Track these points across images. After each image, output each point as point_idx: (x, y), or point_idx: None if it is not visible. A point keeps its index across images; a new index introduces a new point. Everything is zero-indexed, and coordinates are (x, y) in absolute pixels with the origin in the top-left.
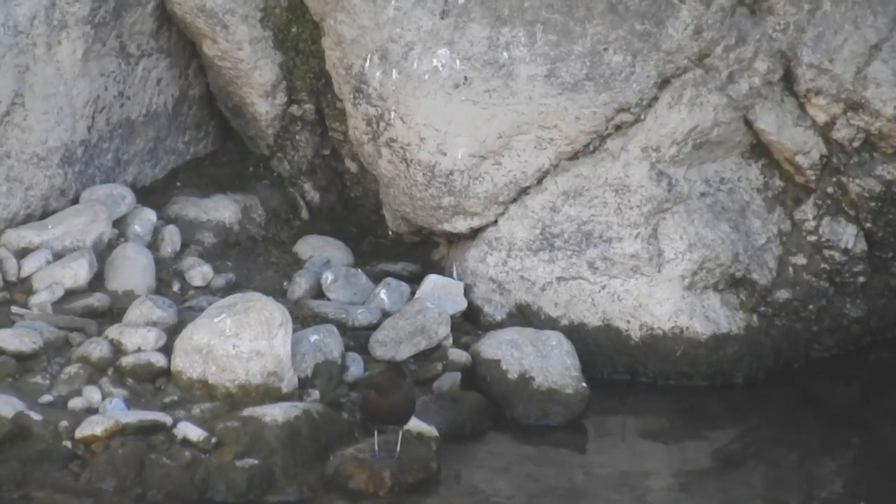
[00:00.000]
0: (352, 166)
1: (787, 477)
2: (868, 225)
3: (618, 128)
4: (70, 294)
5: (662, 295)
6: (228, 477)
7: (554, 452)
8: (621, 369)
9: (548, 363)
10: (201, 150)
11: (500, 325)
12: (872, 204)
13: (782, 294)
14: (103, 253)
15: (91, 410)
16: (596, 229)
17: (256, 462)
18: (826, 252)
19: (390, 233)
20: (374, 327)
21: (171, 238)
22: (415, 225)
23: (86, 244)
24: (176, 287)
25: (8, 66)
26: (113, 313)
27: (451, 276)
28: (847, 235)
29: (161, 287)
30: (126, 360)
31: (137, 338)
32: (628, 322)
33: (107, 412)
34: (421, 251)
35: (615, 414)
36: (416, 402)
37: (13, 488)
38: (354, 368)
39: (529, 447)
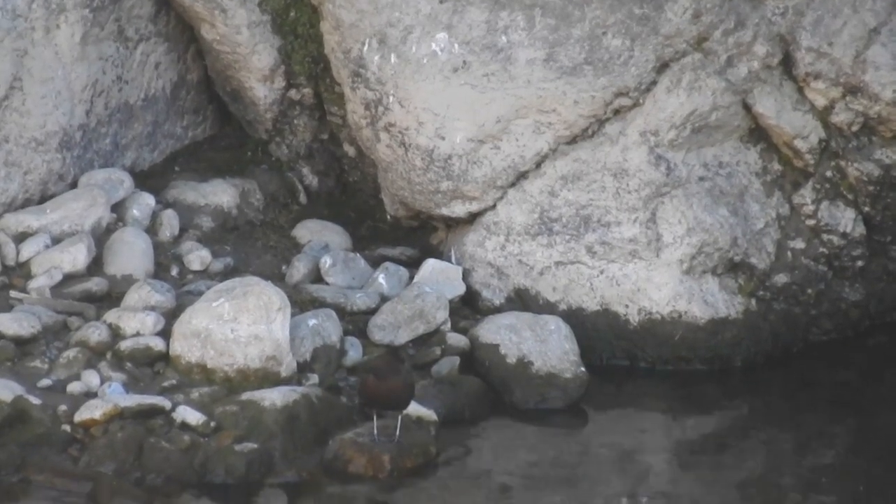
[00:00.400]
0: (350, 151)
1: (785, 461)
2: (867, 209)
3: (616, 112)
4: (68, 278)
5: (661, 279)
6: (227, 461)
7: (552, 436)
8: (620, 354)
9: (546, 348)
10: (200, 135)
11: (498, 310)
12: (871, 188)
13: (781, 278)
14: (102, 237)
15: (90, 394)
16: (594, 214)
17: (255, 446)
18: (825, 236)
19: (389, 217)
20: (372, 312)
21: (170, 222)
22: (413, 209)
23: (84, 228)
24: (174, 271)
25: (6, 50)
26: (111, 297)
27: (449, 260)
28: (846, 219)
29: (159, 271)
30: (125, 345)
31: (136, 322)
32: (627, 306)
33: (105, 396)
34: (419, 236)
35: (614, 398)
36: (414, 386)
37: (12, 472)
38: (353, 353)
39: (528, 431)
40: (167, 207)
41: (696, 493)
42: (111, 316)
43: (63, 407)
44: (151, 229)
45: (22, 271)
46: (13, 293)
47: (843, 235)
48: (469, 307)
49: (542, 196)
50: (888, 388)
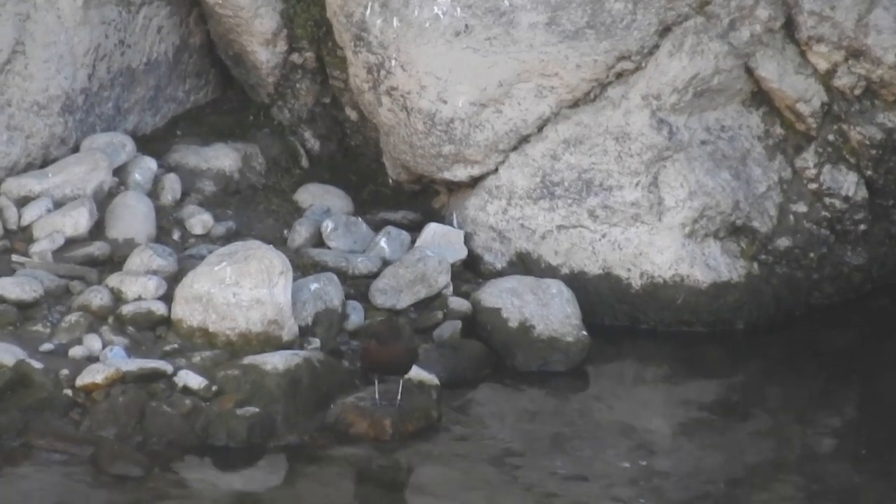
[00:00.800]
0: (352, 115)
1: (786, 423)
2: (869, 173)
3: (619, 76)
4: (70, 242)
5: (663, 243)
6: (229, 425)
7: (554, 400)
8: (622, 318)
9: (548, 311)
10: (202, 99)
11: (500, 274)
12: (873, 152)
13: (783, 242)
14: (104, 201)
15: (92, 359)
16: (596, 177)
17: (257, 410)
18: (827, 200)
19: (390, 181)
20: (374, 276)
21: (172, 186)
22: (415, 173)
23: (86, 193)
24: (176, 235)
25: (9, 15)
26: (113, 262)
27: (451, 224)
28: (848, 183)
29: (161, 235)
30: (126, 309)
31: (138, 286)
32: (629, 270)
33: (107, 360)
34: (421, 200)
35: (615, 362)
36: (417, 351)
37: (14, 436)
38: (355, 317)
39: (530, 395)
40: (169, 171)
41: (697, 455)
42: (113, 280)
43: (65, 371)
44: (153, 193)
45: (24, 235)
46: (15, 257)
47: (846, 199)
48: (471, 271)
49: (544, 160)
50: (890, 352)
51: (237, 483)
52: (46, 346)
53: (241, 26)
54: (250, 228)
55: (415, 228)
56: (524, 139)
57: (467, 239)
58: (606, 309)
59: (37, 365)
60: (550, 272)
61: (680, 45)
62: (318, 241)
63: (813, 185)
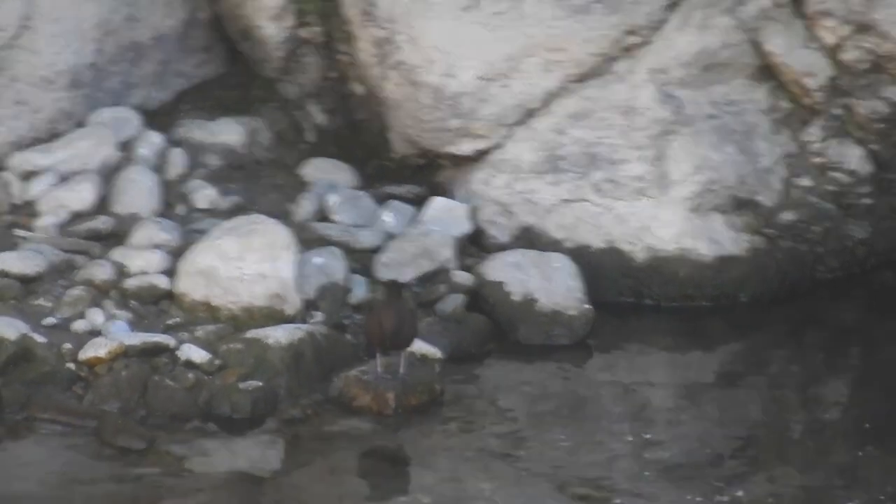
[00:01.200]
0: (358, 89)
1: (790, 397)
2: (875, 147)
3: (626, 50)
4: (76, 217)
5: (667, 217)
6: (232, 399)
7: (558, 373)
8: (626, 291)
9: (552, 285)
10: (208, 74)
11: (504, 248)
12: (879, 126)
13: (787, 216)
14: (109, 176)
15: (95, 333)
16: (602, 152)
17: (260, 384)
18: (832, 174)
19: (396, 155)
20: (378, 250)
21: (177, 161)
22: (421, 147)
23: (92, 167)
24: (181, 210)
25: None
26: (118, 236)
27: (455, 198)
28: (853, 157)
29: (166, 209)
30: (130, 283)
31: (142, 260)
32: (633, 244)
33: (110, 334)
34: (426, 174)
35: (619, 335)
36: (417, 325)
37: (17, 410)
38: (358, 291)
39: (533, 369)
40: (175, 146)
41: (700, 428)
42: (117, 254)
43: (68, 345)
44: (159, 168)
45: (29, 210)
46: (19, 231)
47: (851, 173)
48: (475, 245)
49: (549, 134)
50: (894, 325)
51: (240, 457)
52: (49, 320)
53: (248, 1)
54: (255, 203)
55: (419, 203)
56: (530, 113)
57: (472, 213)
58: (610, 283)
59: (40, 339)
60: (554, 246)
61: (687, 20)
62: (323, 215)
63: (818, 160)
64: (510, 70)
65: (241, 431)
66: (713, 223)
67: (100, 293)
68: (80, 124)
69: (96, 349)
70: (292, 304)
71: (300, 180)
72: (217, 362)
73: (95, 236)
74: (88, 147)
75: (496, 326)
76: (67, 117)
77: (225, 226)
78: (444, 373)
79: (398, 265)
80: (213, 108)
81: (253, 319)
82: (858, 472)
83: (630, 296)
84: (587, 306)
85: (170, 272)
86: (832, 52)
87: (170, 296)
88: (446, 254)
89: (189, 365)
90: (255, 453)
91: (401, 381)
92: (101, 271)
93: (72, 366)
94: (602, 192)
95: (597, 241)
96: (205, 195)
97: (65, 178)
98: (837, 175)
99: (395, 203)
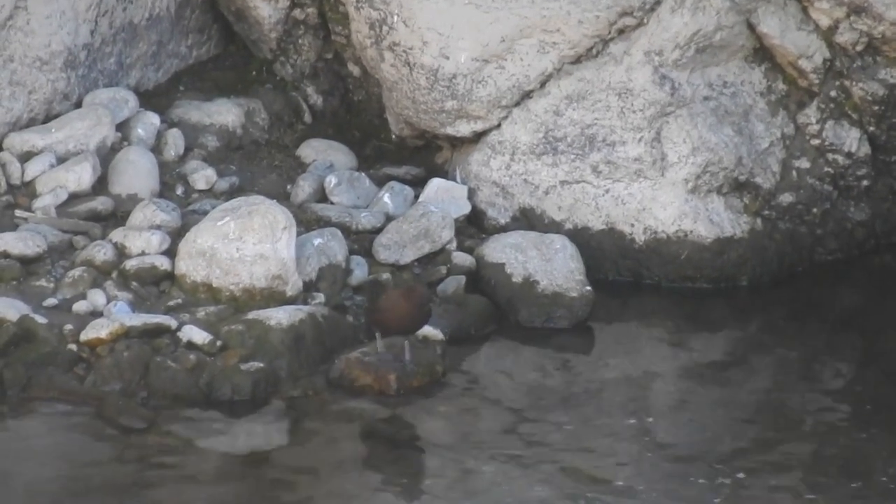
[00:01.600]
0: (355, 70)
1: (790, 380)
2: (871, 128)
3: (620, 32)
4: (74, 198)
5: (666, 198)
6: (233, 380)
7: (558, 355)
8: (625, 273)
9: (552, 267)
10: (204, 54)
11: (503, 229)
12: (876, 108)
13: (786, 198)
14: (107, 157)
15: (95, 314)
16: (599, 133)
17: (261, 365)
18: (829, 156)
19: (394, 137)
20: (377, 231)
21: (175, 142)
22: (418, 129)
23: (89, 148)
24: (179, 191)
25: None
26: (117, 217)
27: (454, 179)
28: (850, 139)
29: (165, 191)
30: (130, 264)
31: (141, 241)
32: (632, 226)
33: (111, 315)
34: (424, 155)
35: (619, 317)
36: (427, 312)
37: (18, 391)
38: (358, 272)
39: (534, 350)
40: (172, 127)
41: (701, 410)
42: (117, 235)
43: (69, 326)
44: (156, 148)
45: (27, 190)
46: (18, 212)
47: (848, 155)
48: (474, 226)
49: (546, 115)
50: (893, 307)
51: (241, 438)
52: (50, 301)
53: None
54: (253, 184)
55: (418, 184)
56: (527, 95)
57: (471, 194)
58: (610, 264)
59: (41, 320)
60: (554, 227)
61: (682, 1)
62: (322, 196)
63: (815, 141)
64: (505, 51)
65: (242, 412)
66: (712, 204)
67: (100, 274)
68: (76, 105)
69: (97, 330)
70: (293, 286)
71: (298, 161)
72: (218, 343)
73: (94, 217)
74: (86, 128)
75: (496, 308)
76: (64, 98)
77: (224, 207)
78: (445, 354)
79: (398, 246)
80: (209, 89)
81: (253, 300)
82: (860, 455)
83: (630, 277)
84: (587, 288)
85: (170, 253)
86: (827, 33)
87: (170, 277)
88: (446, 235)
89: (190, 346)
90: (256, 434)
91: (406, 365)
92: (101, 252)
93: (73, 347)
94: (600, 173)
95: (596, 223)
96: (203, 176)
97: (62, 159)
98: (835, 157)
99: (394, 184)
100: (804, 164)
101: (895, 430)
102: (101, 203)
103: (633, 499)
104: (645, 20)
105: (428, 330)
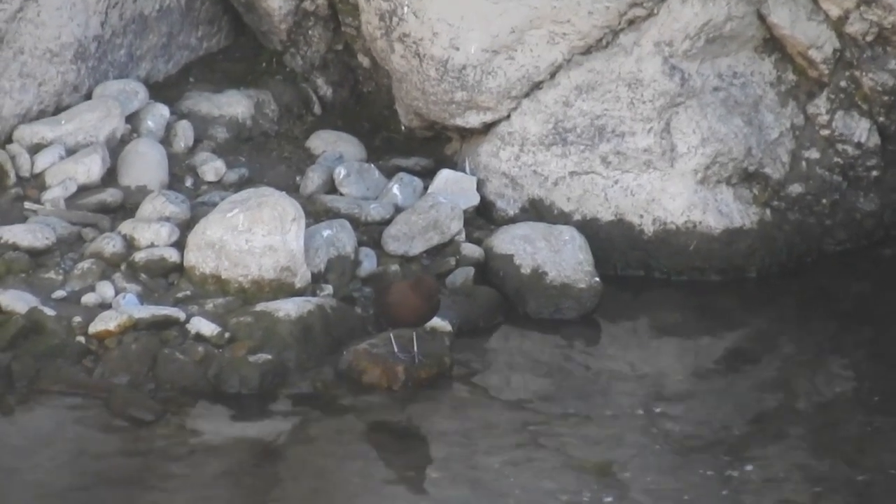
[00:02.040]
0: (364, 61)
1: (799, 371)
2: (881, 119)
3: (630, 22)
4: (83, 190)
5: (675, 189)
6: (241, 372)
7: (566, 347)
8: (634, 264)
9: (561, 258)
10: (214, 46)
11: (512, 220)
12: (885, 98)
13: (795, 188)
14: (116, 148)
15: (104, 306)
16: (609, 124)
17: (269, 357)
18: (839, 146)
19: (403, 128)
20: (386, 222)
21: (184, 133)
22: (427, 120)
23: (99, 140)
24: (189, 182)
25: None
26: (126, 209)
27: (463, 170)
28: (860, 129)
29: (174, 182)
30: (139, 256)
31: (150, 233)
32: (641, 217)
33: (120, 307)
34: (433, 146)
35: (628, 308)
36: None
37: (27, 383)
38: (367, 263)
39: (542, 342)
40: (181, 118)
41: (709, 402)
42: (126, 227)
43: (77, 318)
44: (166, 140)
45: (36, 182)
46: (28, 204)
47: (858, 145)
48: (483, 217)
49: (556, 106)
50: None
51: (249, 430)
52: (59, 294)
53: None
54: (263, 175)
55: (427, 175)
56: (536, 86)
57: (480, 185)
58: (619, 255)
59: (49, 312)
60: (563, 218)
61: None
62: (331, 187)
63: (825, 132)
64: (515, 42)
65: (251, 404)
66: (721, 195)
67: (109, 266)
68: (86, 97)
69: (106, 322)
70: (301, 277)
71: (307, 153)
72: (226, 335)
73: (104, 209)
74: (95, 119)
75: (505, 299)
76: (74, 90)
77: (234, 198)
78: (453, 346)
79: (407, 238)
80: (219, 80)
81: (262, 292)
82: (867, 445)
83: (639, 268)
84: (596, 279)
85: (179, 245)
86: (837, 24)
87: (179, 269)
88: (455, 226)
89: (198, 338)
90: (264, 426)
91: (414, 358)
92: (110, 244)
93: (81, 339)
94: (609, 164)
95: (605, 214)
96: (213, 168)
97: (72, 151)
98: (844, 147)
99: (403, 175)
100: (814, 154)
101: None
102: (110, 195)
103: (641, 490)
104: (655, 11)
105: (436, 321)
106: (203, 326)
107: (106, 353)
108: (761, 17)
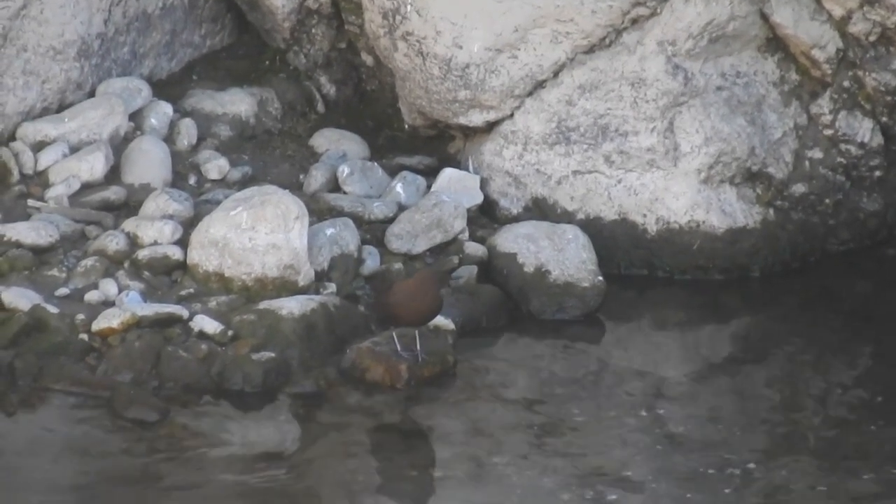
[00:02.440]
0: (368, 60)
1: (802, 371)
2: (884, 119)
3: (634, 21)
4: (86, 187)
5: (679, 189)
6: (245, 370)
7: (570, 346)
8: (638, 263)
9: (564, 257)
10: (217, 44)
11: (515, 219)
12: (889, 98)
13: (798, 188)
14: (119, 146)
15: (107, 303)
16: (612, 123)
17: (273, 355)
18: (842, 146)
19: (406, 126)
20: (390, 221)
21: (188, 131)
22: (431, 118)
23: (102, 137)
24: (192, 180)
25: None
26: (129, 206)
27: (467, 169)
28: (863, 129)
29: (177, 180)
30: (142, 253)
31: (154, 231)
32: (645, 216)
33: (123, 305)
34: (437, 145)
35: (631, 307)
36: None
37: (30, 381)
38: (371, 262)
39: (545, 340)
40: (185, 116)
41: (712, 401)
42: (129, 225)
43: (81, 316)
44: (169, 138)
45: (40, 180)
46: (31, 202)
47: (861, 145)
48: (486, 216)
49: (559, 105)
50: None
51: (252, 428)
52: (62, 291)
53: None
54: (266, 173)
55: (431, 173)
56: (540, 84)
57: (483, 184)
58: (622, 254)
59: (52, 309)
60: (566, 217)
61: None
62: (334, 185)
63: (828, 132)
64: (518, 41)
65: (254, 402)
66: (724, 195)
67: (112, 264)
68: (90, 94)
69: (109, 320)
70: (305, 275)
71: (311, 151)
72: (230, 333)
73: (107, 207)
74: (99, 117)
75: (508, 298)
76: (77, 87)
77: (237, 196)
78: (456, 344)
79: (410, 236)
80: (222, 78)
81: (265, 290)
82: (871, 446)
83: (642, 267)
84: (599, 278)
85: (182, 243)
86: (840, 23)
87: (182, 266)
88: (458, 225)
89: (202, 336)
90: (268, 424)
91: (417, 356)
92: (113, 242)
93: (84, 336)
94: (613, 163)
95: (608, 213)
96: (216, 166)
97: (75, 149)
98: (848, 147)
99: (407, 174)
100: (817, 154)
101: None
102: (113, 193)
103: (644, 490)
104: (658, 10)
105: (439, 320)
106: (206, 324)
107: (109, 350)
108: (764, 17)
